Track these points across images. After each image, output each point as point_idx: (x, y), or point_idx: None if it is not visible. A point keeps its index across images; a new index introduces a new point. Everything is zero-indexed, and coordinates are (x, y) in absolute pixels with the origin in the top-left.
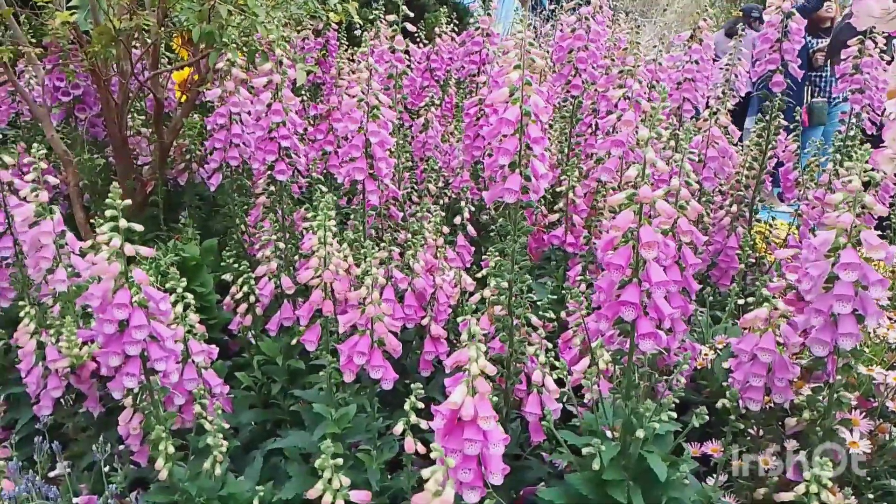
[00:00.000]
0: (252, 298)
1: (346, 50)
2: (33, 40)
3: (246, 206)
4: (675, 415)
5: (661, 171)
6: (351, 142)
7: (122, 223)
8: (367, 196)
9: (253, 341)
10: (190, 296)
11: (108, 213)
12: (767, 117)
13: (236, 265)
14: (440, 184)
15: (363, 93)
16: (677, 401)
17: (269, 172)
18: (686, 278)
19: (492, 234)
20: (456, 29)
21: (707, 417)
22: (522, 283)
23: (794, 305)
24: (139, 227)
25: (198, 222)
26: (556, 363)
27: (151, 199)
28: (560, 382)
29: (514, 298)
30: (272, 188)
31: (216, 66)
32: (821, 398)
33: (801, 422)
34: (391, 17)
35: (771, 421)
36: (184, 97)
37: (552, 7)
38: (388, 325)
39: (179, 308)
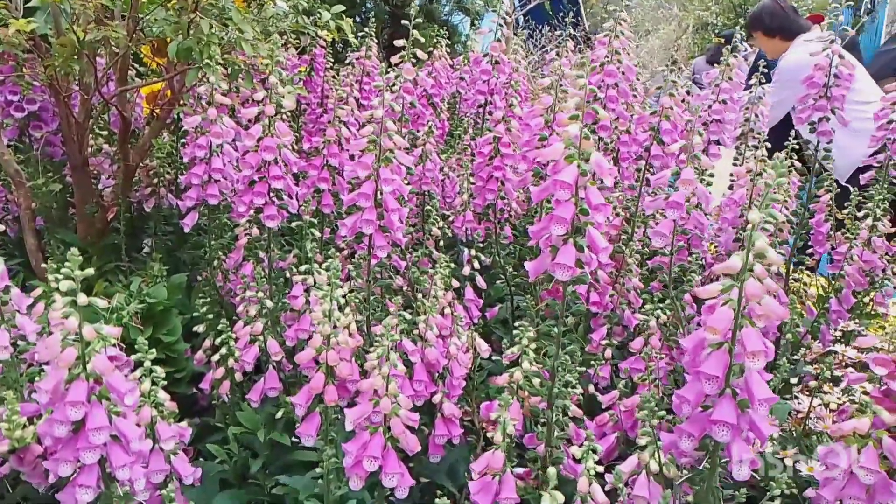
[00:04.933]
0: (231, 362)
1: (330, 68)
2: None
3: (223, 246)
4: None
5: (773, 263)
6: (359, 189)
7: (82, 298)
8: (375, 251)
9: (226, 398)
10: (160, 370)
11: (63, 284)
12: (811, 168)
13: (210, 315)
14: (440, 224)
15: (375, 133)
16: None
17: (251, 213)
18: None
19: (498, 281)
20: (448, 49)
21: None
22: (568, 373)
23: (883, 404)
24: (103, 303)
25: (163, 252)
26: (605, 472)
27: (112, 226)
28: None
29: (556, 389)
30: (256, 231)
31: (196, 88)
32: None
33: None
34: (400, 42)
35: None
36: (154, 112)
37: (527, 27)
38: (405, 420)
39: (147, 385)
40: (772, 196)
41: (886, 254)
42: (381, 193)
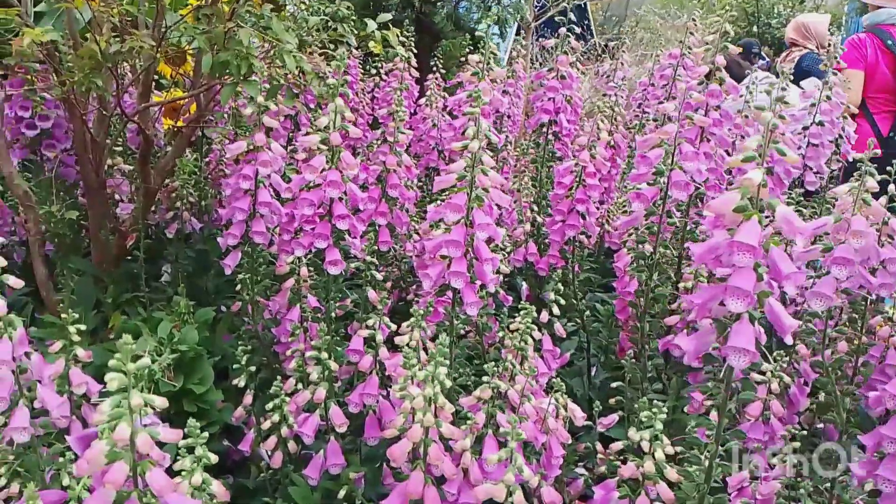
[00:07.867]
0: (284, 430)
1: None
2: None
3: (265, 288)
4: None
5: None
6: (449, 235)
7: (136, 399)
8: (465, 307)
9: (265, 455)
10: (213, 457)
11: (112, 380)
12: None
13: (252, 367)
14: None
15: (467, 168)
16: None
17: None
18: None
19: (569, 323)
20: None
21: None
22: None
23: None
24: (162, 402)
25: (183, 280)
26: None
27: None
28: None
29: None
30: (305, 271)
31: (244, 109)
32: None
33: None
34: (475, 58)
35: None
36: (176, 129)
37: (542, 36)
38: None
39: (198, 477)
40: None
41: None
42: (474, 239)
